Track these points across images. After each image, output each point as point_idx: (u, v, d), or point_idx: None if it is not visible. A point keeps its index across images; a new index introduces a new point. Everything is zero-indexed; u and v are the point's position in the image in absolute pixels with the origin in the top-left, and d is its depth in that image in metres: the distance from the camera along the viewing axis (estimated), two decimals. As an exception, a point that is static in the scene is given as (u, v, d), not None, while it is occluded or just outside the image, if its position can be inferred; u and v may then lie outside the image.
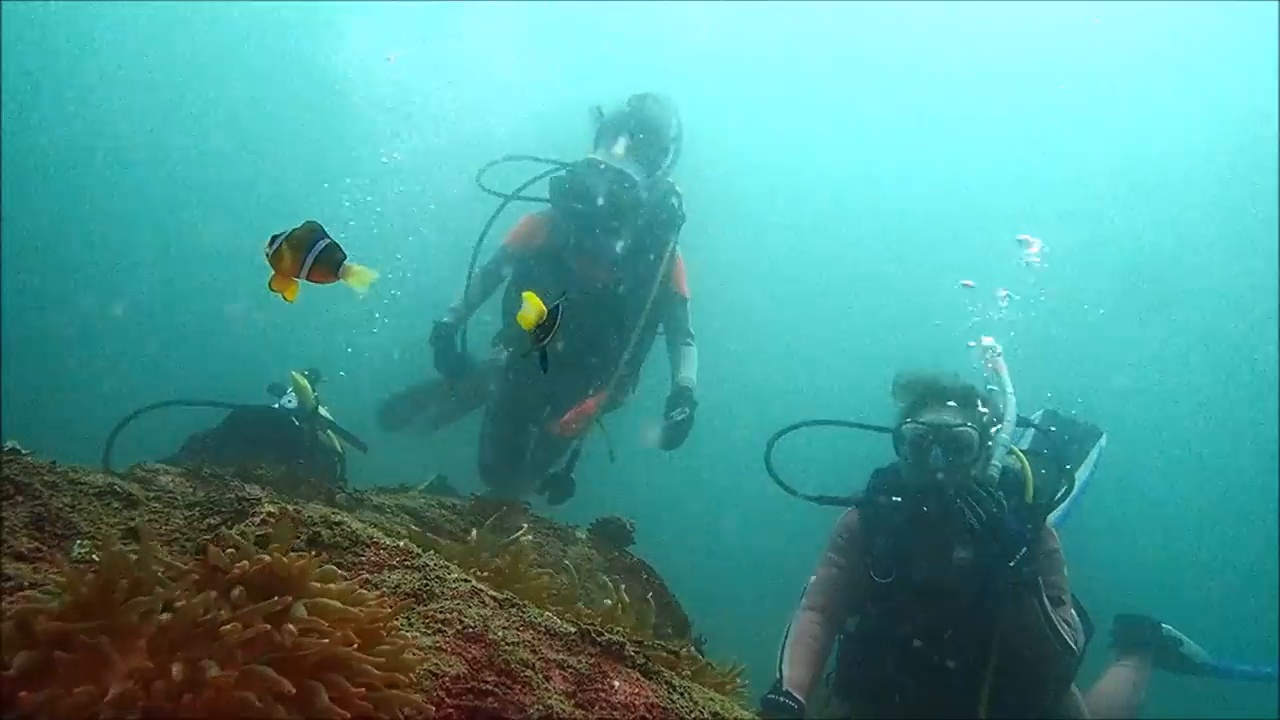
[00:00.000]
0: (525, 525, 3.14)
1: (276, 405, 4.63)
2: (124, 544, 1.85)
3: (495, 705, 1.42)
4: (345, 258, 1.79)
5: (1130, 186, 16.27)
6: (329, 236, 1.79)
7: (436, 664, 1.45)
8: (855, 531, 4.11)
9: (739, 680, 2.09)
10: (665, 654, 1.78)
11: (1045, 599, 3.71)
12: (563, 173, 5.35)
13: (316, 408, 4.66)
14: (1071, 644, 3.77)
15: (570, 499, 5.46)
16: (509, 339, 5.63)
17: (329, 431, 4.81)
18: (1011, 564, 3.67)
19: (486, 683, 1.45)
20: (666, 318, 5.57)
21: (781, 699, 3.64)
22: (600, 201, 5.18)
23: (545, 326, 1.78)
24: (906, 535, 3.91)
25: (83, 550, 1.75)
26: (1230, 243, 15.50)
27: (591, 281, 5.38)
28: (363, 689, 1.25)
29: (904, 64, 17.95)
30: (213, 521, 1.80)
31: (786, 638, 3.97)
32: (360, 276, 1.81)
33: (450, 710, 1.39)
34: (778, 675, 3.81)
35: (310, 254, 1.76)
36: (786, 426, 4.29)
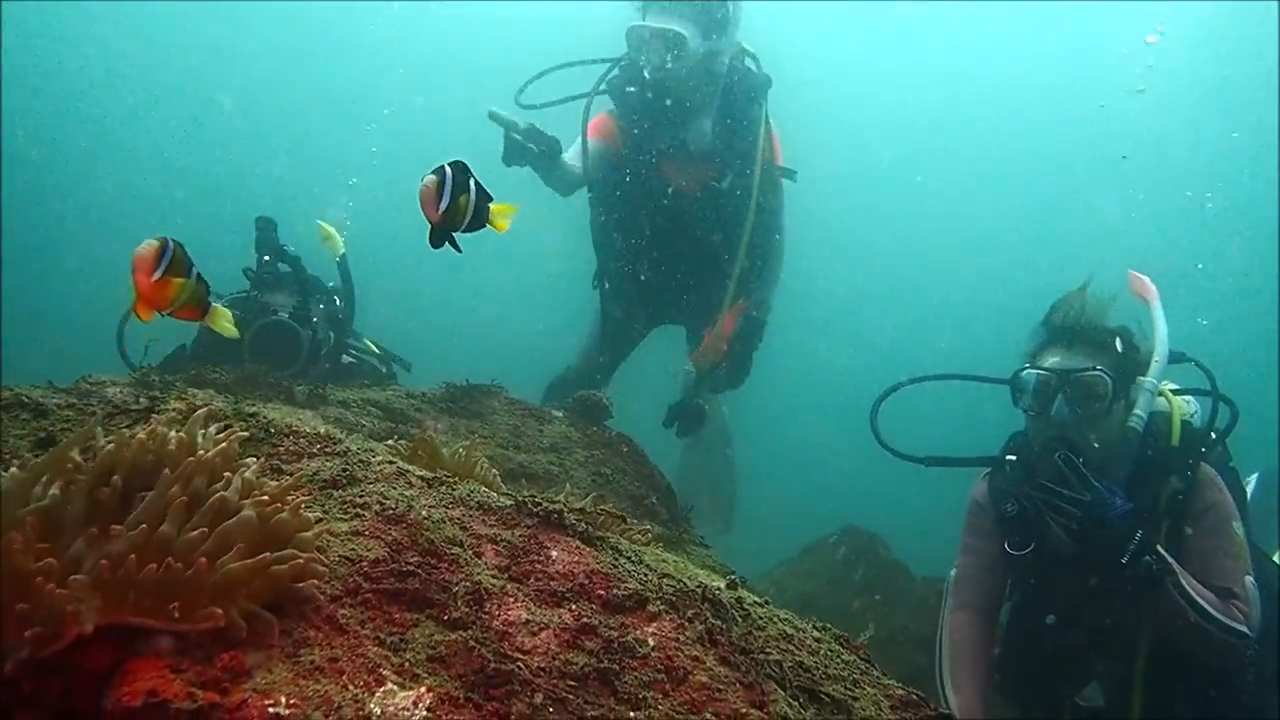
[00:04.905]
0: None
1: (277, 314, 4.01)
2: (35, 455, 1.77)
3: (418, 587, 1.33)
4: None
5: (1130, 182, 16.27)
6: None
7: (354, 549, 1.37)
8: (985, 504, 3.56)
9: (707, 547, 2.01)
10: (611, 519, 1.70)
11: (1185, 583, 3.04)
12: (617, 71, 4.72)
13: (345, 255, 4.37)
14: (1238, 626, 3.04)
15: (701, 427, 5.07)
16: (604, 272, 5.09)
17: (365, 340, 4.66)
18: (1124, 560, 3.01)
19: (409, 564, 1.36)
20: (765, 205, 4.79)
21: None
22: (650, 74, 4.45)
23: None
24: (1030, 500, 3.30)
25: (-13, 464, 1.65)
26: (1229, 239, 15.20)
27: (685, 183, 4.72)
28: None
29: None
30: (122, 421, 1.70)
31: (941, 651, 3.47)
32: (220, 318, 1.97)
33: (369, 595, 1.31)
34: (944, 703, 3.30)
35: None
36: (891, 387, 3.75)
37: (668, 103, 4.55)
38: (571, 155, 4.78)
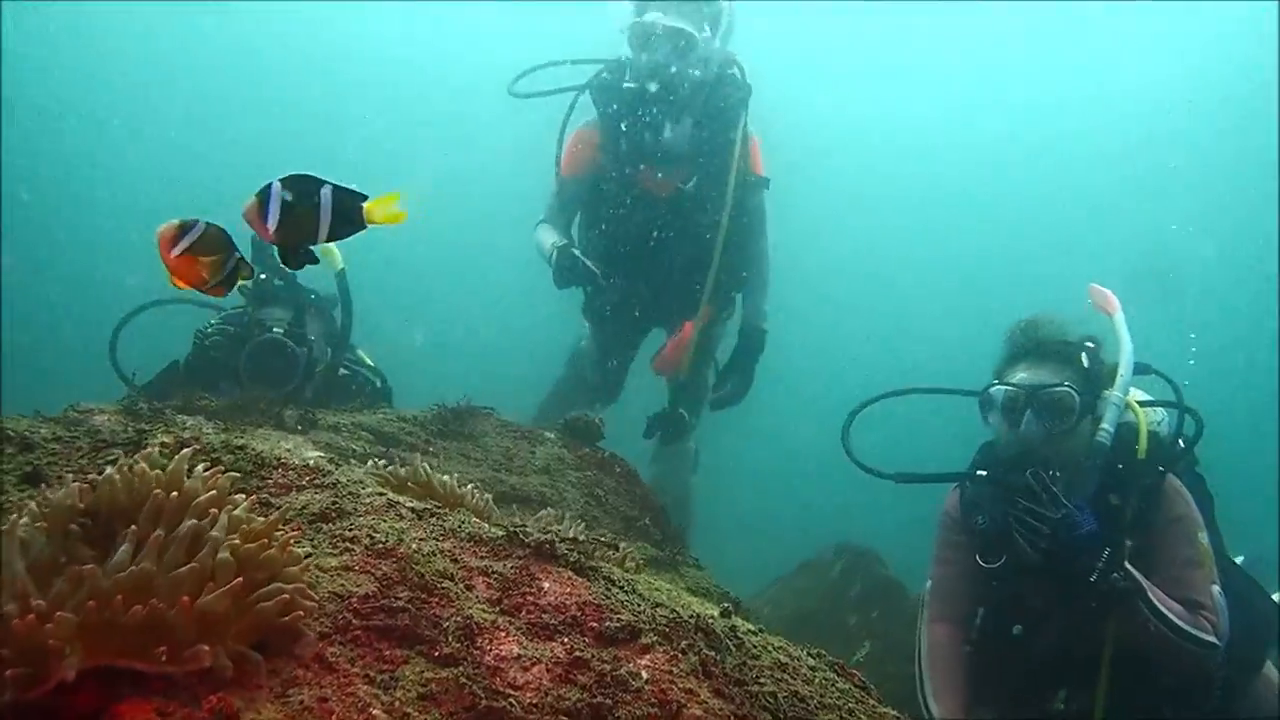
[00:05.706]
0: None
1: (273, 331, 3.99)
2: (20, 490, 1.75)
3: (409, 623, 1.32)
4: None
5: (1132, 181, 16.47)
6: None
7: (343, 584, 1.35)
8: (956, 516, 3.59)
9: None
10: (603, 546, 1.69)
11: (1153, 597, 3.04)
12: (605, 73, 4.75)
13: (344, 270, 4.28)
14: (1207, 637, 3.04)
15: (683, 438, 5.13)
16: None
17: (359, 352, 4.63)
18: (1093, 578, 3.01)
19: (399, 599, 1.35)
20: (745, 210, 4.81)
21: None
22: (656, 77, 4.46)
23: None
24: (1002, 514, 3.31)
25: (-28, 501, 1.63)
26: (1230, 237, 15.30)
27: (659, 187, 4.75)
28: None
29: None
30: (109, 455, 1.68)
31: (920, 663, 3.49)
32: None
33: (359, 632, 1.29)
34: (925, 712, 3.34)
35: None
36: (862, 402, 3.74)
37: (653, 103, 4.55)
38: (549, 211, 4.92)
